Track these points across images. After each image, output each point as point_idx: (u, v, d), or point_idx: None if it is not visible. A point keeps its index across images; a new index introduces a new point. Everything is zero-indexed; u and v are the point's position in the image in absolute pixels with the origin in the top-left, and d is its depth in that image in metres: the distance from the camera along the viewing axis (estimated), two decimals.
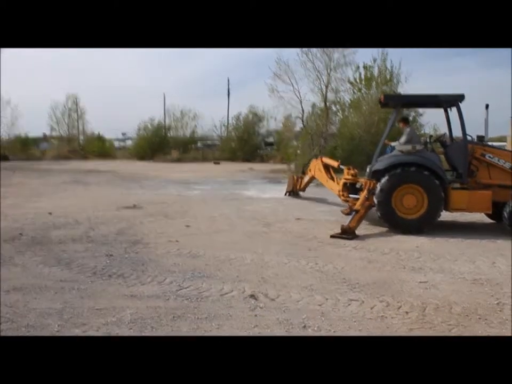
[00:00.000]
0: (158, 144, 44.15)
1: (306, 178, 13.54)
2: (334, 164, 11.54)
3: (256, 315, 4.47)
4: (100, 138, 50.99)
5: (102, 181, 19.35)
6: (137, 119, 60.80)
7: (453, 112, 9.33)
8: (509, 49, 68.01)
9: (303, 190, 14.14)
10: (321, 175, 11.80)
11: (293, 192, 14.26)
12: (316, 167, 12.24)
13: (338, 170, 11.37)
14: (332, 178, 11.27)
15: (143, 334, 4.08)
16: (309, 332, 4.14)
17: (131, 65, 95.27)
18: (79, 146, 48.78)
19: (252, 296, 5.00)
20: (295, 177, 14.41)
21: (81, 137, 52.28)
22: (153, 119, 46.20)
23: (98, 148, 47.04)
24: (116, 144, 59.22)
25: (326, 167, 11.74)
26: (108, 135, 55.21)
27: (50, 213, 10.19)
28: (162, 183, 18.57)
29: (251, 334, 4.12)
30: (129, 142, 55.66)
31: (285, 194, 14.43)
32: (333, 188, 11.04)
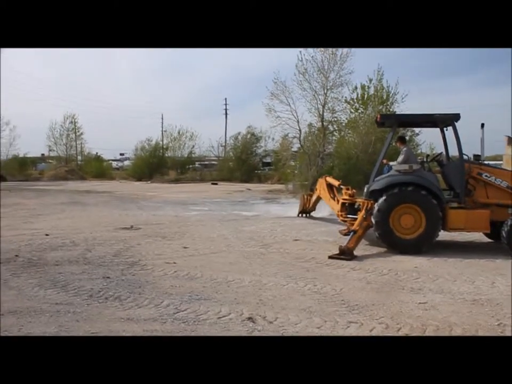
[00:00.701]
0: (156, 165, 44.39)
1: (314, 197, 13.56)
2: (336, 183, 11.56)
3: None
4: (98, 159, 51.27)
5: (99, 202, 19.32)
6: (135, 139, 61.04)
7: (449, 131, 9.39)
8: (500, 68, 68.24)
9: (313, 208, 14.14)
10: (325, 195, 11.84)
11: (305, 212, 14.30)
12: (321, 186, 12.28)
13: (339, 190, 11.38)
14: (333, 198, 11.26)
15: (143, 334, 4.04)
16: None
17: (130, 86, 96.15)
18: (77, 167, 48.92)
19: (250, 318, 4.93)
20: (305, 196, 14.43)
21: (79, 157, 52.52)
22: (150, 140, 46.54)
23: (96, 168, 47.26)
24: (114, 164, 59.49)
25: (330, 186, 11.77)
26: (106, 156, 55.61)
27: (47, 234, 10.14)
28: (159, 204, 18.54)
29: (250, 335, 4.07)
30: (127, 163, 55.93)
31: (298, 215, 14.44)
32: (333, 208, 11.04)
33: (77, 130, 51.24)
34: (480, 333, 4.62)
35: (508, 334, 4.62)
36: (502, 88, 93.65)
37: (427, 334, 4.58)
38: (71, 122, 50.89)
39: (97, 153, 52.92)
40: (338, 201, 10.60)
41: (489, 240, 9.87)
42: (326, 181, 12.05)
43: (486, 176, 8.97)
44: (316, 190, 12.92)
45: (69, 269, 7.00)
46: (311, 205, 13.97)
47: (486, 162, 9.95)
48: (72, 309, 5.15)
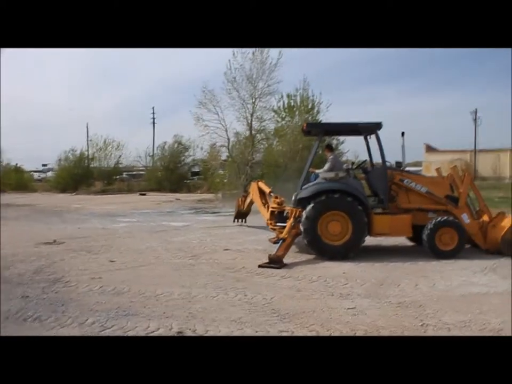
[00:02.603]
0: (81, 176, 42.84)
1: (248, 200, 13.18)
2: (266, 190, 11.52)
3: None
4: (18, 170, 48.63)
5: (20, 216, 18.31)
6: (59, 149, 58.54)
7: (372, 139, 9.70)
8: (421, 78, 72.03)
9: (248, 210, 13.78)
10: (257, 200, 11.69)
11: (241, 216, 14.00)
12: (253, 190, 12.09)
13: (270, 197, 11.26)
14: (265, 205, 11.19)
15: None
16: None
17: (53, 91, 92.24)
18: None
19: (180, 333, 4.80)
20: (240, 199, 14.02)
21: None
22: (75, 150, 44.82)
23: (16, 180, 44.79)
24: (36, 176, 56.76)
25: (262, 192, 11.65)
26: (27, 166, 52.91)
27: None
28: (85, 216, 17.87)
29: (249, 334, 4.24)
30: (50, 174, 53.58)
31: (234, 220, 14.16)
32: (264, 215, 10.99)
33: None
34: (406, 334, 4.75)
35: (430, 333, 4.80)
36: (422, 96, 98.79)
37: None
38: None
39: (17, 164, 50.24)
40: (268, 208, 10.61)
41: (412, 243, 10.28)
42: (258, 185, 11.98)
43: (407, 182, 9.34)
44: (250, 193, 12.75)
45: None
46: (245, 207, 13.63)
47: (407, 169, 10.38)
48: None
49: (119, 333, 4.78)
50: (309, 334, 4.77)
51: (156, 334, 4.78)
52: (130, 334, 4.76)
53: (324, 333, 4.82)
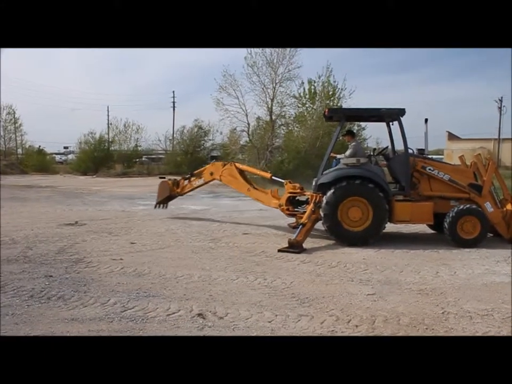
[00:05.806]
0: (101, 158, 43.22)
1: (198, 183, 12.01)
2: (267, 175, 11.33)
3: (204, 335, 4.33)
4: (40, 152, 49.25)
5: (42, 197, 18.58)
6: (80, 132, 58.73)
7: (395, 125, 9.57)
8: (443, 67, 70.97)
9: (178, 196, 12.70)
10: (238, 183, 11.06)
11: (166, 200, 12.77)
12: (226, 173, 11.21)
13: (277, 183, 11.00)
14: (255, 188, 10.86)
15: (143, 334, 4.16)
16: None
17: (76, 77, 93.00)
18: (17, 160, 46.88)
19: (200, 315, 4.84)
20: (171, 182, 12.62)
21: (19, 150, 50.36)
22: (94, 133, 45.12)
23: (38, 162, 45.36)
24: (57, 158, 57.46)
25: (242, 174, 11.12)
26: (49, 149, 53.59)
27: None
28: (105, 199, 18.05)
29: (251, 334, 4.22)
30: (71, 156, 54.21)
31: (155, 206, 12.83)
32: (260, 198, 10.65)
33: (15, 122, 48.97)
34: (426, 321, 4.73)
35: (451, 321, 4.76)
36: (444, 85, 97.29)
37: (376, 324, 4.65)
38: (9, 113, 48.53)
39: (39, 146, 50.84)
40: (272, 194, 10.40)
41: (433, 231, 10.18)
42: (236, 167, 11.23)
43: (429, 169, 9.22)
44: (211, 174, 11.57)
45: (8, 269, 6.64)
46: (184, 191, 12.43)
47: (429, 156, 10.24)
48: (10, 311, 4.87)
49: (140, 314, 4.84)
50: (329, 319, 4.77)
51: (176, 315, 4.83)
52: (151, 315, 4.82)
53: (344, 318, 4.82)
